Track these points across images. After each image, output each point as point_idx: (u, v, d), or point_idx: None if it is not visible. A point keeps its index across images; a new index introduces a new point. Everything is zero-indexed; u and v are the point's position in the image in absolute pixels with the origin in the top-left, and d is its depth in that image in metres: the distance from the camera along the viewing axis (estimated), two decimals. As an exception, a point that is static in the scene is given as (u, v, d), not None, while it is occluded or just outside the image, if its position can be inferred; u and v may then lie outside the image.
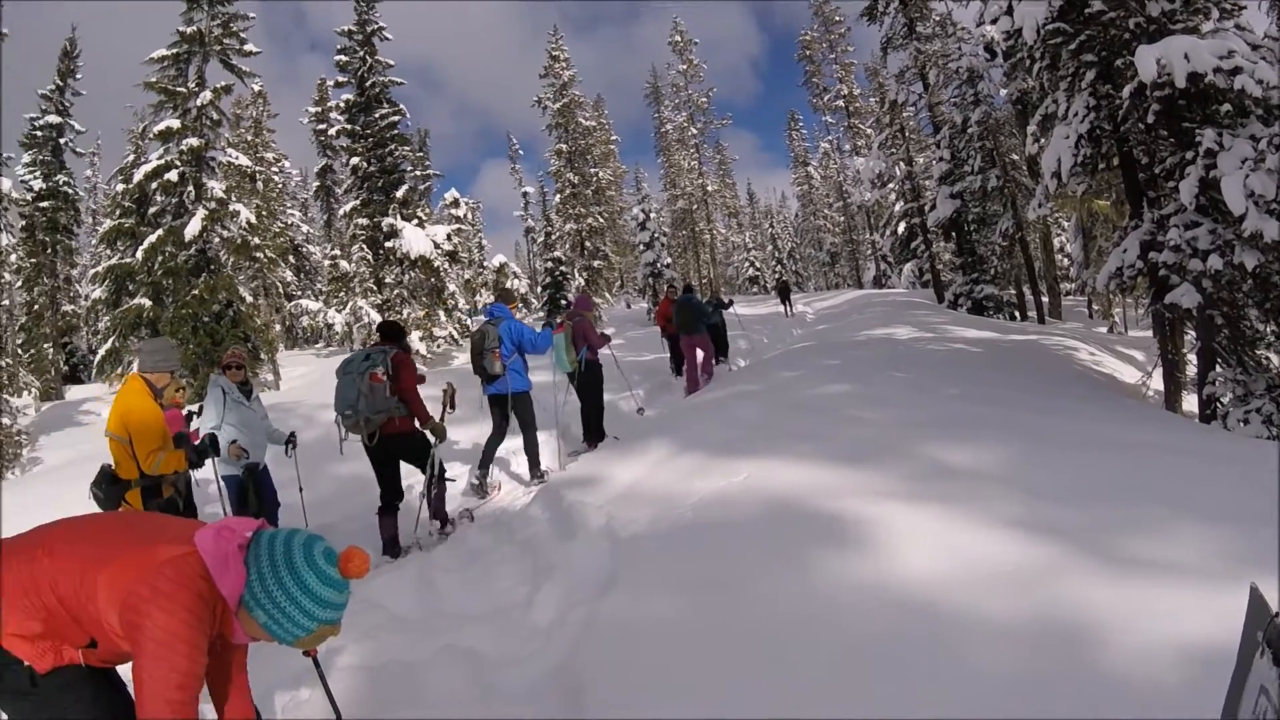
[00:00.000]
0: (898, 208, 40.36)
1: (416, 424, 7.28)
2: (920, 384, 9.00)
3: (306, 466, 8.32)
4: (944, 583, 3.50)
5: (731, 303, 19.91)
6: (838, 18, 60.40)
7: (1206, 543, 3.55)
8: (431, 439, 7.44)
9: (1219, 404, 10.42)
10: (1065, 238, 35.95)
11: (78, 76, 36.90)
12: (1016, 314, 30.48)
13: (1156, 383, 13.18)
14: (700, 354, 14.34)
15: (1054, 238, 35.61)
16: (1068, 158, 11.23)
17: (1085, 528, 3.81)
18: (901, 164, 36.91)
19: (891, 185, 39.90)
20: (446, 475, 7.86)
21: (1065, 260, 37.59)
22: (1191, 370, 12.44)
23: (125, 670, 2.61)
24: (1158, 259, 10.26)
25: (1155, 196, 11.42)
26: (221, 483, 7.35)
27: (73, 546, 2.58)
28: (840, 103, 61.40)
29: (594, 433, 10.49)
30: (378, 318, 28.90)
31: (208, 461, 6.62)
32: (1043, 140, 12.98)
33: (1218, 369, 10.69)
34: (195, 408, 7.99)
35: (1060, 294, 34.34)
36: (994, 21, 13.65)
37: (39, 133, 35.66)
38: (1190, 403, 12.22)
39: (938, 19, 31.75)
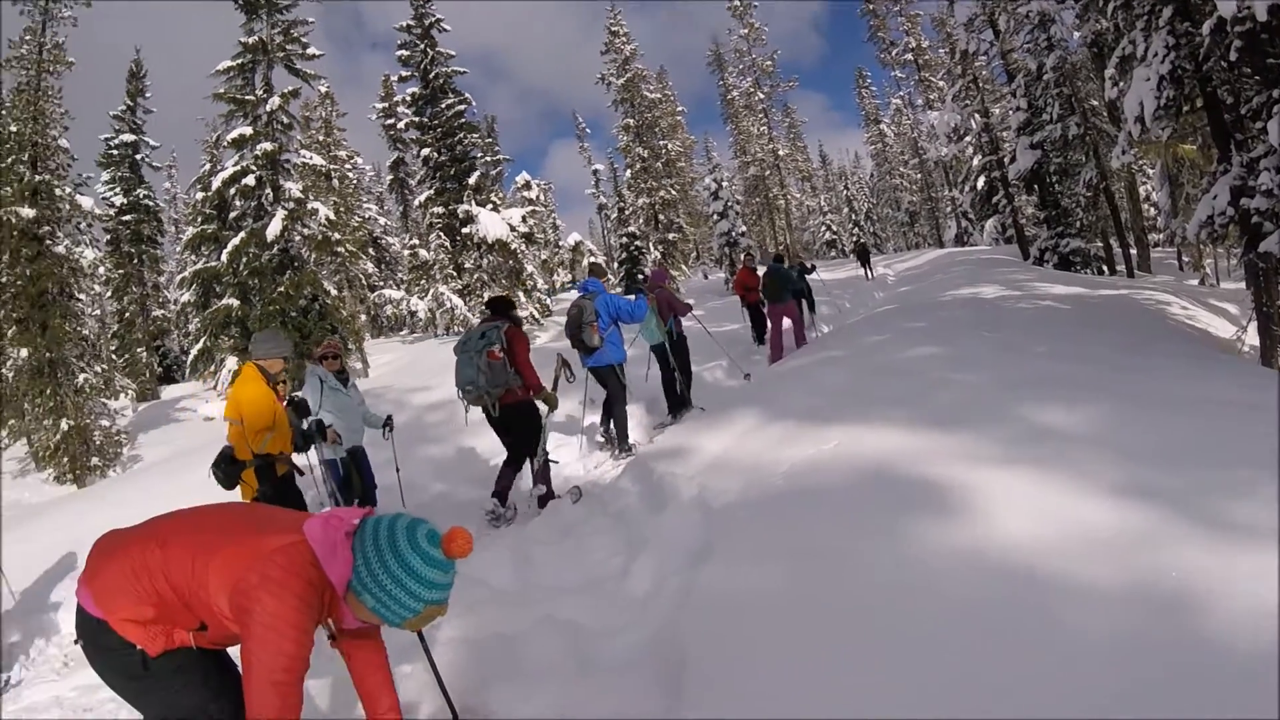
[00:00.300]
0: (976, 161, 39.20)
1: (529, 393, 7.52)
2: (1009, 344, 8.79)
3: (399, 448, 8.62)
4: (1041, 548, 3.42)
5: (814, 267, 19.78)
6: (902, -32, 59.17)
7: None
8: (543, 408, 7.71)
9: (1320, 359, 10.01)
10: (1151, 186, 34.78)
11: (147, 95, 38.64)
12: (1104, 268, 29.56)
13: (1252, 337, 12.69)
14: (787, 322, 14.29)
15: (1139, 186, 34.41)
16: (1149, 101, 10.86)
17: (1183, 491, 3.67)
18: (977, 116, 35.95)
19: (968, 138, 38.84)
20: (550, 456, 8.04)
21: (1152, 210, 36.29)
22: (1289, 323, 11.93)
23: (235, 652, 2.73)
24: (1249, 205, 9.87)
25: (1243, 138, 10.93)
26: (322, 467, 7.69)
27: (184, 536, 2.71)
28: (909, 56, 60.13)
29: (680, 403, 10.53)
30: (460, 302, 29.39)
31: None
32: (1121, 84, 12.53)
33: (1317, 321, 10.27)
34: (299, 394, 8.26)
35: (1149, 245, 33.17)
36: (1064, -40, 13.25)
37: (114, 151, 37.41)
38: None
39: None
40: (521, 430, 7.61)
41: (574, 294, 8.61)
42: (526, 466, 7.79)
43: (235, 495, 7.68)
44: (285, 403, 8.18)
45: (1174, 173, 24.65)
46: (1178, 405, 5.37)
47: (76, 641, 2.78)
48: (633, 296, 9.93)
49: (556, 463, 8.36)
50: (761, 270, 15.31)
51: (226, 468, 6.16)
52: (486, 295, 29.13)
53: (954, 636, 3.04)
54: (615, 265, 49.36)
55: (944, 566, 3.52)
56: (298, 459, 6.89)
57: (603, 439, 9.53)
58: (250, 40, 26.41)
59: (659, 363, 10.84)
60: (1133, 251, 29.85)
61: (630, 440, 9.39)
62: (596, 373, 9.28)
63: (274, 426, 6.15)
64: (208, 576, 2.57)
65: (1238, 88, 10.93)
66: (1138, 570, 3.12)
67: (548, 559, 5.96)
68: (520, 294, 29.96)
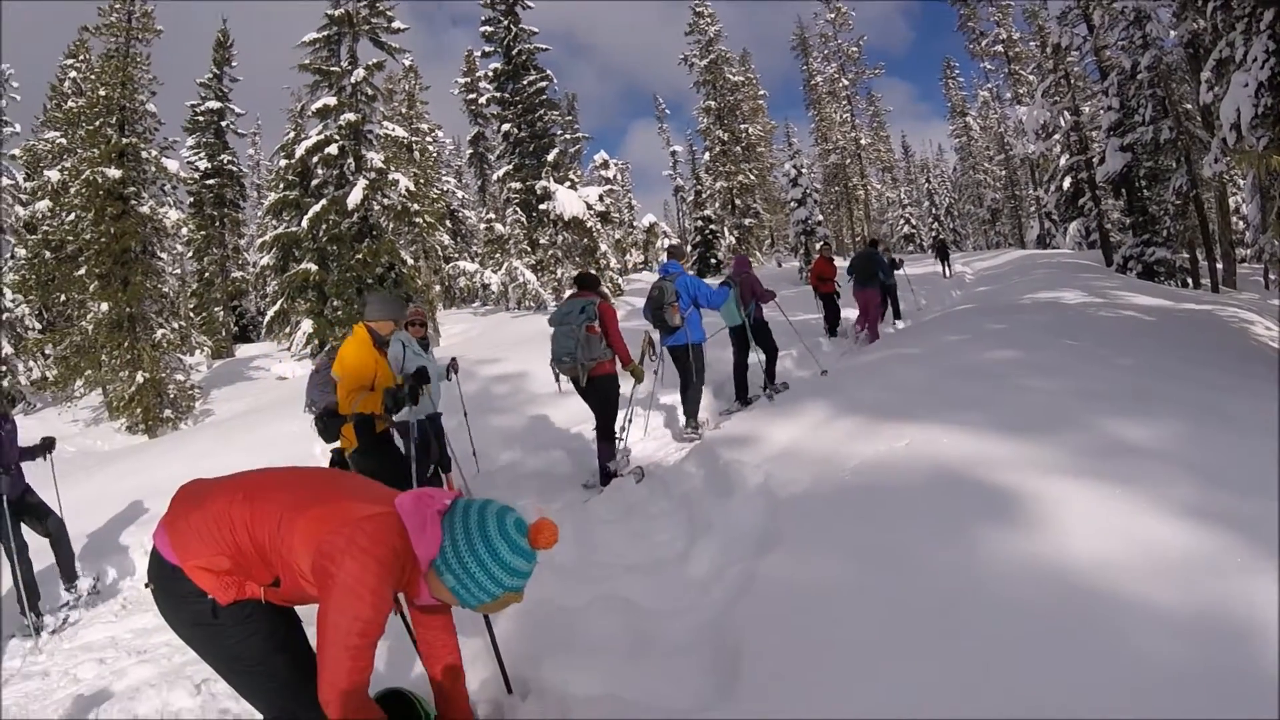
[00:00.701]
0: (1063, 161, 38.10)
1: (618, 365, 7.95)
2: (1090, 353, 8.61)
3: (469, 417, 8.86)
4: (1111, 567, 3.37)
5: (902, 263, 19.39)
6: (994, -44, 57.90)
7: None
8: (632, 379, 8.30)
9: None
10: (1241, 197, 33.74)
11: (233, 64, 39.81)
12: (1189, 280, 28.73)
13: (1336, 363, 12.31)
14: (867, 308, 14.92)
15: (1230, 198, 33.35)
16: (1247, 108, 10.54)
17: (1260, 519, 3.61)
18: (1066, 113, 34.93)
19: (1056, 136, 37.82)
20: (619, 434, 8.36)
21: (1241, 223, 35.25)
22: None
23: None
24: (1343, 223, 9.57)
25: (1343, 152, 10.62)
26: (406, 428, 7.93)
27: (274, 493, 2.79)
28: (999, 48, 58.55)
29: (769, 379, 10.73)
30: (532, 278, 29.64)
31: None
32: (1217, 88, 12.17)
33: (1405, 348, 9.89)
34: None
35: (1235, 260, 32.13)
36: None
37: (200, 117, 38.64)
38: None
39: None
40: (602, 401, 7.94)
41: (646, 274, 8.78)
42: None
43: (313, 458, 7.89)
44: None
45: (1266, 185, 23.83)
46: (1257, 428, 5.23)
47: (148, 585, 2.88)
48: (715, 283, 10.07)
49: (621, 441, 8.54)
50: (841, 261, 15.32)
51: (328, 420, 6.52)
52: (561, 272, 29.42)
53: (1014, 646, 3.04)
54: (689, 248, 49.25)
55: (1010, 576, 3.50)
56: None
57: (690, 430, 9.52)
58: (336, 13, 26.88)
59: (735, 346, 11.05)
60: (1219, 265, 28.87)
61: (701, 418, 9.57)
62: (674, 351, 9.48)
63: (373, 387, 6.22)
64: (293, 535, 2.65)
65: (1339, 98, 10.58)
66: (1206, 596, 3.08)
67: (609, 537, 6.05)
68: (593, 272, 30.08)
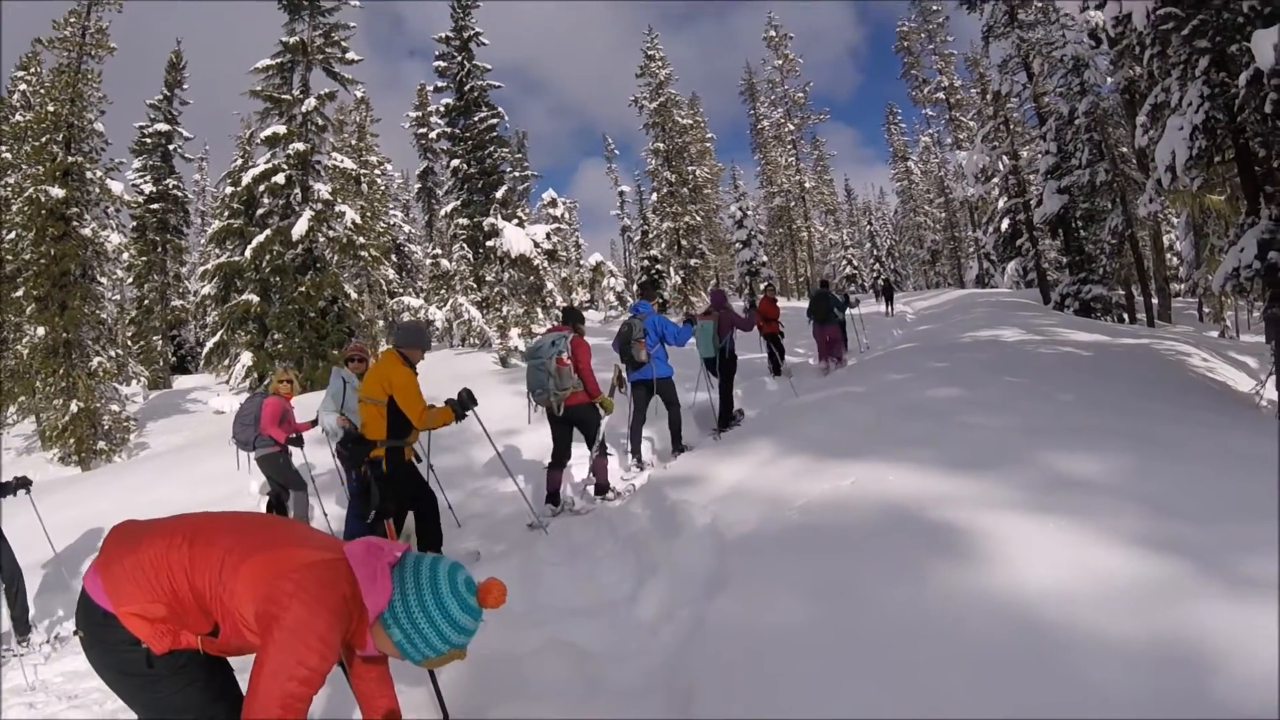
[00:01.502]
0: (1001, 203, 39.11)
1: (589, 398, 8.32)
2: (1032, 389, 8.75)
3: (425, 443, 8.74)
4: (1064, 598, 3.39)
5: (858, 301, 19.75)
6: (936, 7, 59.66)
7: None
8: (601, 411, 8.50)
9: (1338, 416, 9.91)
10: (1175, 235, 34.68)
11: (185, 87, 39.23)
12: (1125, 316, 29.48)
13: (1271, 392, 12.59)
14: (829, 342, 16.37)
15: (1164, 235, 34.32)
16: (1182, 150, 10.80)
17: (1207, 546, 3.65)
18: (1005, 158, 35.91)
19: (995, 180, 38.80)
20: (608, 450, 8.83)
21: (1175, 260, 36.29)
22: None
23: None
24: (1276, 258, 9.84)
25: (1273, 191, 10.87)
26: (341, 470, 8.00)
27: (216, 538, 2.67)
28: (940, 95, 60.27)
29: (724, 417, 11.37)
30: (478, 314, 29.45)
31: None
32: (1152, 131, 12.49)
33: (1339, 378, 10.19)
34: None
35: (1170, 295, 33.05)
36: (1100, 6, 13.19)
37: (148, 139, 37.90)
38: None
39: (1039, 5, 30.35)
40: (585, 426, 8.40)
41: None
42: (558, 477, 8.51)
43: (249, 495, 7.69)
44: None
45: (1199, 223, 24.63)
46: (1201, 457, 5.33)
47: (76, 632, 2.76)
48: (680, 323, 10.43)
49: (612, 454, 9.10)
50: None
51: (354, 447, 6.54)
52: (506, 309, 29.31)
53: (970, 680, 3.02)
54: (634, 288, 49.42)
55: (962, 611, 3.49)
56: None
57: (632, 461, 9.91)
58: (291, 40, 26.80)
59: (708, 377, 11.74)
60: (1154, 301, 29.69)
61: (647, 458, 9.99)
62: (637, 386, 9.81)
63: (427, 404, 6.46)
64: (237, 580, 2.54)
65: (1271, 140, 10.86)
66: (1158, 624, 3.10)
67: (556, 580, 5.90)
68: (539, 310, 30.00)
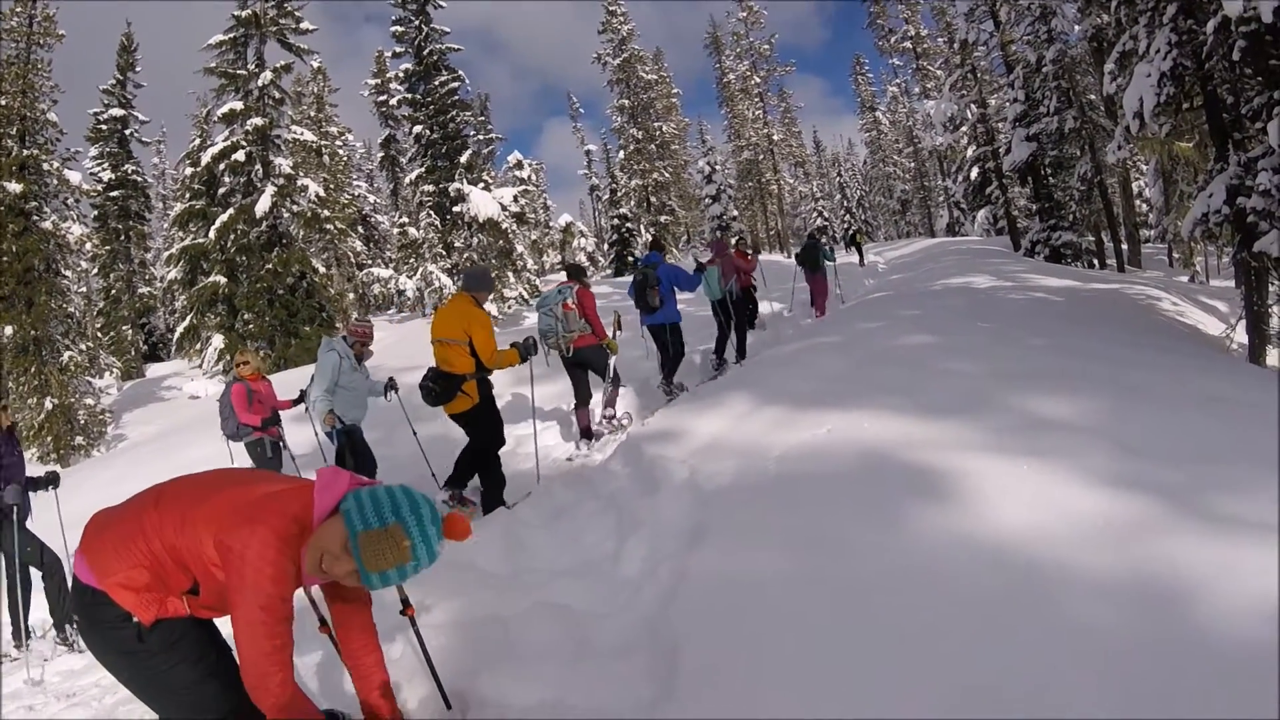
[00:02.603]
0: (970, 152, 39.23)
1: (597, 339, 9.14)
2: (1004, 334, 8.81)
3: (389, 429, 8.66)
4: (1040, 538, 3.44)
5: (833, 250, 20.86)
6: (902, -45, 59.05)
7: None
8: (608, 352, 9.27)
9: (1307, 357, 10.06)
10: (1144, 182, 34.91)
11: (137, 70, 38.19)
12: (1095, 262, 29.68)
13: (1240, 335, 12.78)
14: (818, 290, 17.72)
15: (1133, 182, 34.52)
16: (1150, 97, 10.83)
17: (1179, 484, 3.71)
18: (973, 106, 35.93)
19: (963, 129, 38.90)
20: (621, 381, 9.79)
21: (1144, 206, 36.56)
22: (1276, 323, 12.08)
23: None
24: (1245, 204, 9.88)
25: (1241, 138, 10.93)
26: (325, 439, 8.22)
27: (178, 493, 2.71)
28: (907, 44, 59.97)
29: (740, 352, 12.62)
30: (448, 281, 29.29)
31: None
32: (1120, 79, 12.51)
33: (1307, 321, 10.31)
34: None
35: (1139, 241, 33.27)
36: (1068, -48, 13.18)
37: (103, 126, 37.04)
38: (1275, 357, 11.84)
39: (1009, -48, 30.50)
40: (594, 364, 9.24)
41: (563, 275, 9.50)
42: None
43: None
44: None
45: (1168, 170, 24.82)
46: (1172, 400, 5.40)
47: (72, 622, 2.76)
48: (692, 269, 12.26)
49: (626, 386, 10.16)
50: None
51: (443, 381, 7.10)
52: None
53: (951, 624, 3.05)
54: (606, 246, 49.27)
55: (941, 554, 3.53)
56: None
57: (664, 390, 10.93)
58: (243, 14, 26.30)
59: (717, 317, 12.70)
60: (1124, 247, 29.97)
61: (676, 384, 10.97)
62: (653, 329, 10.95)
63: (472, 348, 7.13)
64: (198, 524, 2.56)
65: (1238, 87, 10.92)
66: (1134, 561, 3.15)
67: (539, 542, 5.90)
68: (510, 274, 29.84)
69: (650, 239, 12.03)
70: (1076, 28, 26.56)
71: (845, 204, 68.77)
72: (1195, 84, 11.08)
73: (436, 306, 30.12)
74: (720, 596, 3.83)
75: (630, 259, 43.07)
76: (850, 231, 42.86)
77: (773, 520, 4.36)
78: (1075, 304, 12.88)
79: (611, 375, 9.38)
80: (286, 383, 10.72)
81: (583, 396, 9.33)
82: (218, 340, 26.05)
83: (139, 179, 38.67)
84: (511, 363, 7.32)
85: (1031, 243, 30.11)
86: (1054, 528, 3.50)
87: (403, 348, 24.24)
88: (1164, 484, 3.72)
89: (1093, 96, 27.37)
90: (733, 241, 19.04)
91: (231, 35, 26.52)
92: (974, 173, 39.42)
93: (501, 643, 4.10)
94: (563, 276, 10.08)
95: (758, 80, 65.38)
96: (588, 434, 9.24)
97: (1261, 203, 9.61)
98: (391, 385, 8.60)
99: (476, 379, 7.19)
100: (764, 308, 16.86)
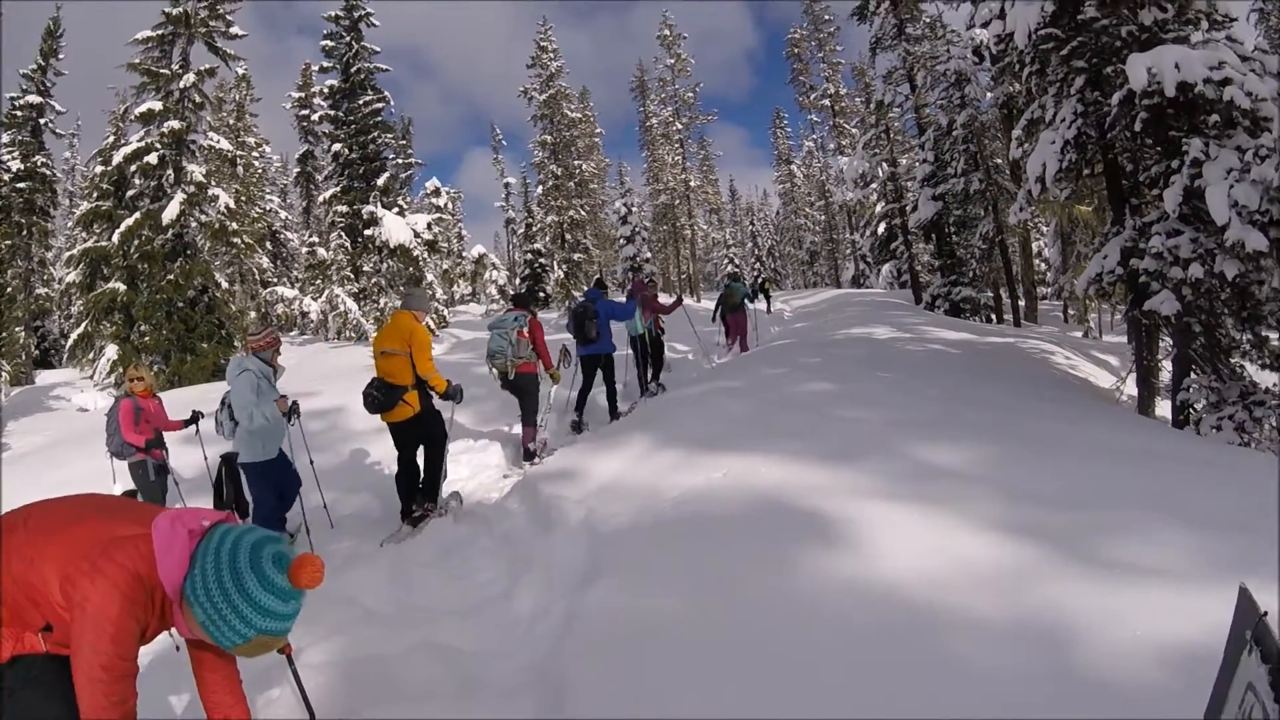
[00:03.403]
0: (879, 208, 40.35)
1: (540, 369, 9.71)
2: (901, 384, 9.02)
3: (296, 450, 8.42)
4: (929, 582, 3.51)
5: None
6: (828, 16, 60.34)
7: (1186, 546, 3.58)
8: (549, 381, 9.97)
9: (1192, 410, 10.46)
10: (1043, 242, 36.21)
11: (60, 56, 36.21)
12: (993, 316, 30.63)
13: (1130, 388, 13.30)
14: (740, 329, 18.71)
15: (1033, 242, 35.74)
16: (1052, 163, 11.24)
17: (1067, 529, 3.84)
18: (885, 164, 36.91)
19: (874, 185, 39.86)
20: (539, 423, 10.03)
21: (1043, 265, 37.84)
22: (1166, 376, 12.61)
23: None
24: (1138, 265, 10.30)
25: (1138, 204, 11.46)
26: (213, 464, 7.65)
27: (29, 523, 2.55)
28: (826, 102, 61.34)
29: (656, 379, 13.83)
30: (354, 306, 28.73)
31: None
32: (1027, 145, 12.97)
33: (1192, 375, 10.74)
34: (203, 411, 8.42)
35: (1037, 298, 34.44)
36: (985, 25, 13.60)
37: (19, 112, 35.17)
38: (1163, 408, 12.35)
39: (928, 20, 31.66)
40: (526, 393, 9.61)
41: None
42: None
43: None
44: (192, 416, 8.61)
45: (1067, 232, 25.85)
46: (1061, 448, 5.58)
47: None
48: (624, 299, 13.22)
49: (544, 426, 10.34)
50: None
51: (386, 390, 7.32)
52: (384, 301, 28.66)
53: (840, 666, 3.09)
54: (518, 281, 49.09)
55: (832, 596, 3.58)
56: None
57: (576, 419, 11.37)
58: (174, 11, 25.43)
59: (635, 351, 13.53)
60: (1021, 303, 30.98)
61: (620, 410, 11.53)
62: (587, 359, 11.50)
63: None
64: (45, 564, 2.41)
65: (1138, 156, 11.46)
66: (1022, 605, 3.24)
67: (428, 579, 5.77)
68: (524, 292, 29.45)
69: (595, 279, 13.49)
70: (989, 95, 27.56)
71: (756, 252, 70.09)
72: (1097, 152, 11.59)
73: (339, 332, 29.68)
74: (611, 637, 3.80)
75: (542, 295, 43.03)
76: (759, 280, 43.47)
77: (666, 562, 4.37)
78: (971, 356, 13.27)
79: (540, 405, 9.92)
80: (180, 401, 10.34)
81: (525, 414, 9.76)
82: (111, 351, 24.86)
83: (48, 172, 36.65)
84: (438, 386, 7.46)
85: (933, 297, 30.99)
86: (942, 572, 3.57)
87: (302, 371, 23.72)
88: (1051, 530, 3.84)
89: (999, 160, 28.35)
90: (645, 283, 19.46)
91: (160, 32, 25.49)
92: (881, 228, 40.65)
93: (384, 683, 4.00)
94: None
95: (680, 126, 65.98)
96: (529, 455, 9.56)
97: (1154, 264, 10.04)
98: (295, 410, 7.65)
99: (417, 389, 7.45)
100: (669, 352, 16.89)
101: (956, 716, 2.66)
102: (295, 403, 7.66)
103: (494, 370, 9.70)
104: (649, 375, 13.61)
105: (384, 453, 9.90)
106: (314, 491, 7.96)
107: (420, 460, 7.68)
